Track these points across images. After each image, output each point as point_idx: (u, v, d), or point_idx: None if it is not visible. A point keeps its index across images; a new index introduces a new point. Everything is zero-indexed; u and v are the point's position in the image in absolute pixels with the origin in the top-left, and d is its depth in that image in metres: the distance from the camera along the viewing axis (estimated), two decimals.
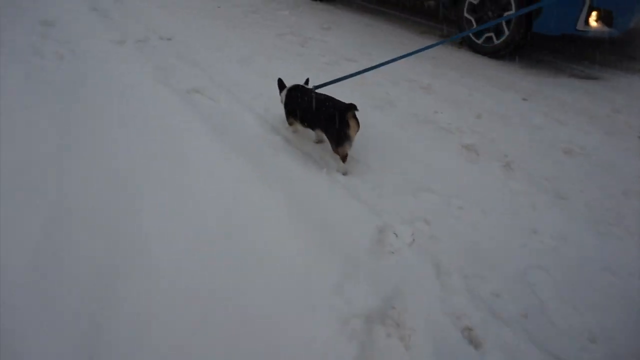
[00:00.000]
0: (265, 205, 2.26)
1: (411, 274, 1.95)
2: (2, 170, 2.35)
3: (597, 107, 3.73)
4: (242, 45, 4.71)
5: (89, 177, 2.39)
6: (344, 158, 2.65)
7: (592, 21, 3.94)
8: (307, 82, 3.07)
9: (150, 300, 1.75)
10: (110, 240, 2.00)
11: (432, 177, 2.69)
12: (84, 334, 1.61)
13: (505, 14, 4.28)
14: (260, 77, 3.87)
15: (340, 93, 2.87)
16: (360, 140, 2.80)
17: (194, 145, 2.75)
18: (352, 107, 2.54)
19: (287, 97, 2.94)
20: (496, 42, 4.55)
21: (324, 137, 2.77)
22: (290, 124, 3.03)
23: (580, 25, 3.93)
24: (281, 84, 3.06)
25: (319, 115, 2.69)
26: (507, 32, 4.40)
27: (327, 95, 2.77)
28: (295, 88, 2.94)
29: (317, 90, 2.93)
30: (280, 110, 3.06)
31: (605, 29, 3.94)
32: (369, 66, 3.03)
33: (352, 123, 2.55)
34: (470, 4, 4.66)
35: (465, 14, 4.73)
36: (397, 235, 2.18)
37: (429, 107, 3.60)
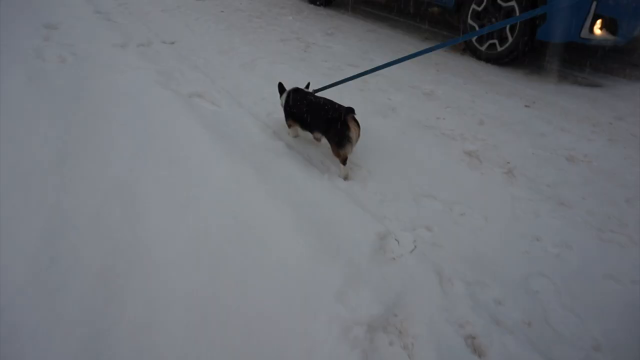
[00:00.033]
0: (266, 211, 2.25)
1: (413, 281, 1.94)
2: (2, 174, 2.35)
3: (599, 115, 3.72)
4: (246, 50, 4.72)
5: (90, 182, 2.38)
6: (344, 161, 2.65)
7: (597, 29, 3.93)
8: (307, 86, 3.10)
9: (151, 306, 1.74)
10: (111, 245, 2.00)
11: (434, 184, 2.69)
12: (86, 340, 1.60)
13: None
14: (263, 82, 3.87)
15: (342, 98, 2.87)
16: (361, 146, 2.79)
17: (196, 150, 2.74)
18: (351, 110, 2.56)
19: (287, 100, 2.97)
20: (499, 49, 4.55)
21: (324, 139, 2.79)
22: (289, 126, 3.04)
23: (584, 33, 3.92)
24: (281, 88, 3.09)
25: (318, 119, 2.71)
26: (510, 39, 4.41)
27: (327, 99, 2.79)
28: (295, 91, 2.96)
29: (317, 94, 2.95)
30: (282, 115, 3.07)
31: (610, 37, 3.94)
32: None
33: (352, 125, 2.57)
34: (474, 10, 4.67)
35: (469, 21, 4.74)
36: (398, 242, 2.17)
37: (432, 113, 3.59)
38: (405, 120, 3.44)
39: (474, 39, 4.71)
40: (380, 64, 2.81)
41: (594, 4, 3.80)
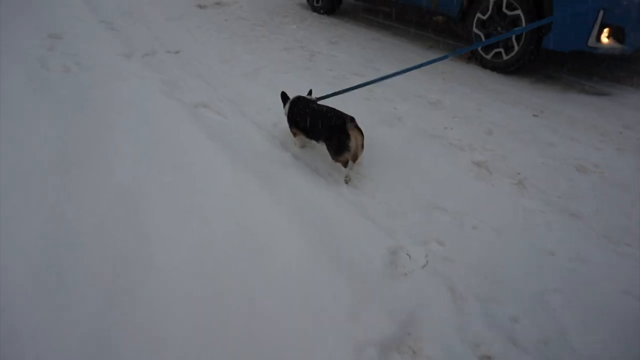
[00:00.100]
0: (273, 224, 2.21)
1: (426, 298, 1.88)
2: (2, 174, 2.33)
3: (607, 124, 3.68)
4: (250, 59, 4.70)
5: (94, 190, 2.36)
6: (344, 164, 2.66)
7: (604, 38, 3.89)
8: (310, 93, 3.12)
9: (152, 306, 1.73)
10: (114, 249, 1.99)
11: (443, 195, 2.64)
12: (92, 348, 1.58)
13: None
14: (267, 91, 3.85)
15: (347, 108, 2.84)
16: (367, 155, 2.76)
17: (200, 156, 2.73)
18: (351, 119, 2.59)
19: (290, 108, 2.97)
20: (505, 57, 4.52)
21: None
22: (294, 134, 3.03)
23: (591, 42, 3.88)
24: (284, 97, 3.09)
25: (321, 126, 2.71)
26: (516, 48, 4.38)
27: (329, 107, 2.79)
28: (298, 99, 2.97)
29: (320, 102, 2.95)
30: (287, 124, 3.05)
31: (617, 45, 3.90)
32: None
33: (352, 134, 2.56)
34: (479, 19, 4.64)
35: (475, 30, 4.72)
36: (410, 257, 2.12)
37: (439, 122, 3.55)
38: (412, 130, 3.40)
39: (479, 48, 4.68)
40: (384, 72, 2.80)
41: (601, 12, 3.76)
